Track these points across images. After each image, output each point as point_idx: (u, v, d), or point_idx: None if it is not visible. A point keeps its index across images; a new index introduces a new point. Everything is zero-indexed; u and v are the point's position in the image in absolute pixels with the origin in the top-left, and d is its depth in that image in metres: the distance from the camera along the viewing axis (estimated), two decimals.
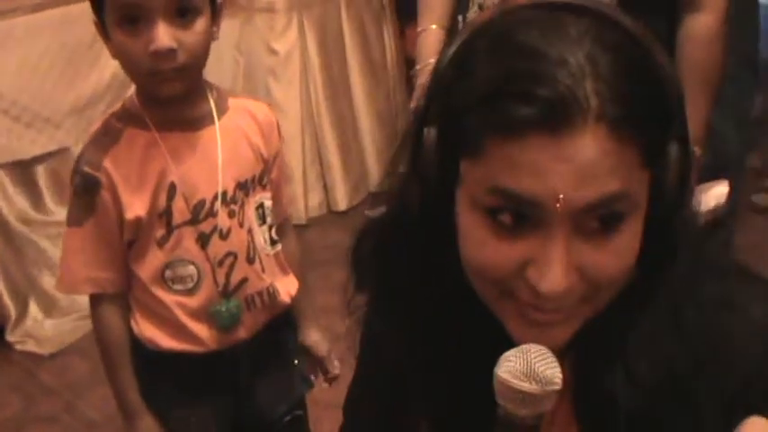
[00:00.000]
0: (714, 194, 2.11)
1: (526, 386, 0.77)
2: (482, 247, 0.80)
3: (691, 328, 0.84)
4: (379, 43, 4.18)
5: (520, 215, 0.77)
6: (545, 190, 0.74)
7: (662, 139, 0.79)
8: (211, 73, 1.54)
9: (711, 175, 2.26)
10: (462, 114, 0.78)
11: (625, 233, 0.78)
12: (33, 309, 3.22)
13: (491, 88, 0.76)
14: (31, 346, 3.16)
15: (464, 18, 1.94)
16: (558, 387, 0.78)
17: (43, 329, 3.21)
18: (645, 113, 0.77)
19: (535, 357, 0.78)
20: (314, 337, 1.82)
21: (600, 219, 0.77)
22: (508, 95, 0.74)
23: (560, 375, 0.78)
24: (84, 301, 1.79)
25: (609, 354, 0.85)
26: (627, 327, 0.84)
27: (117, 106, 1.62)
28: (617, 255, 0.78)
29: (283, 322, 1.74)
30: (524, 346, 0.79)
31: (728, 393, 0.78)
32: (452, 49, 0.82)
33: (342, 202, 4.03)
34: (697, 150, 1.86)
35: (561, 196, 0.74)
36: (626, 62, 0.77)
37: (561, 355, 0.86)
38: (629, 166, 0.76)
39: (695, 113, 1.82)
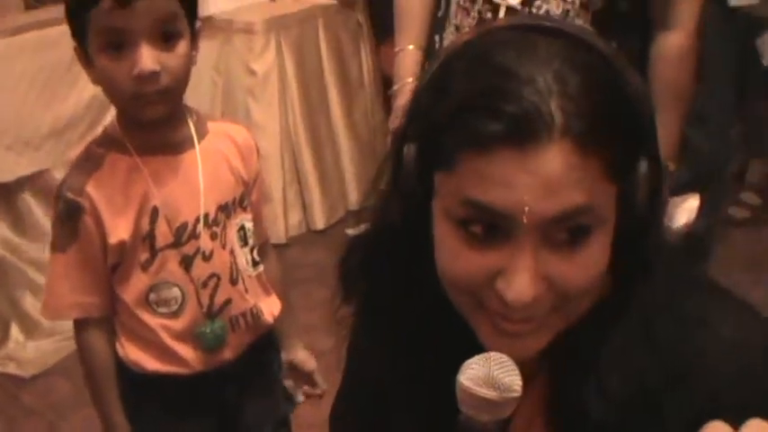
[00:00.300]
0: (685, 209, 2.14)
1: (486, 392, 0.79)
2: (455, 257, 0.82)
3: (662, 344, 0.85)
4: (356, 61, 4.22)
5: (490, 226, 0.79)
6: (512, 202, 0.77)
7: (630, 155, 0.82)
8: (190, 94, 1.56)
9: (690, 190, 2.30)
10: (438, 131, 0.81)
11: (593, 245, 0.80)
12: (15, 331, 3.22)
13: (463, 104, 0.79)
14: (12, 369, 3.15)
15: (441, 38, 1.97)
16: (517, 394, 0.80)
17: (25, 351, 3.20)
18: (611, 130, 0.79)
19: (495, 365, 0.80)
20: (300, 355, 1.84)
21: (567, 231, 0.79)
22: (478, 111, 0.77)
23: (520, 383, 0.80)
24: (66, 322, 1.80)
25: (581, 366, 0.87)
26: (599, 340, 0.86)
27: (98, 132, 1.63)
28: (584, 266, 0.81)
29: (267, 342, 1.76)
30: (486, 354, 0.82)
31: (696, 409, 0.79)
32: (431, 70, 0.86)
33: (320, 221, 4.05)
34: (670, 165, 1.89)
35: (527, 208, 0.77)
36: (594, 81, 0.80)
37: (537, 366, 0.89)
38: (595, 180, 0.78)
39: (668, 129, 1.86)
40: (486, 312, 0.83)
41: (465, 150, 0.78)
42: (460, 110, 0.79)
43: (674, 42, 1.84)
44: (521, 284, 0.78)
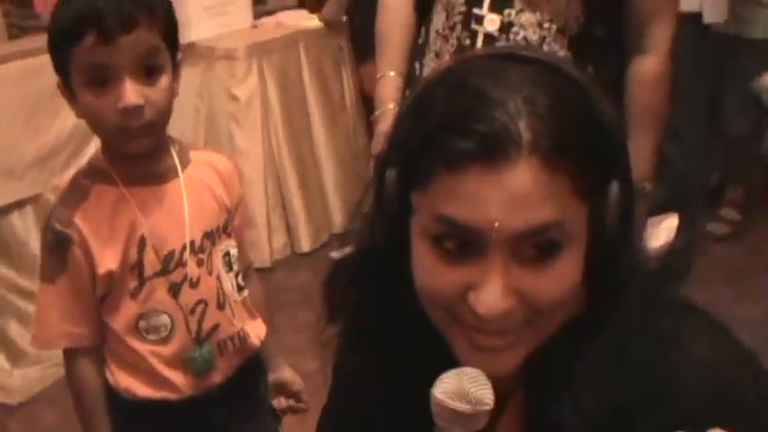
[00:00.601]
0: (664, 228, 2.17)
1: (458, 405, 0.83)
2: (430, 272, 0.86)
3: (636, 364, 0.87)
4: (338, 85, 4.26)
5: (463, 242, 0.83)
6: (482, 217, 0.80)
7: (600, 177, 0.85)
8: (174, 121, 1.58)
9: (668, 208, 2.33)
10: (416, 154, 0.85)
11: (562, 261, 0.84)
12: (1, 359, 3.22)
13: (439, 127, 0.83)
14: None
15: (421, 64, 2.01)
16: (488, 407, 0.84)
17: (11, 379, 3.19)
18: (580, 150, 0.83)
19: (468, 379, 0.84)
20: (287, 374, 1.87)
21: (536, 246, 0.82)
22: (451, 132, 0.82)
23: (491, 396, 0.84)
24: (53, 350, 1.81)
25: (556, 383, 0.89)
26: (573, 358, 0.89)
27: (82, 161, 1.65)
28: (554, 281, 0.84)
29: (254, 365, 1.78)
30: (460, 369, 0.85)
31: (670, 429, 0.81)
32: (411, 97, 0.90)
33: (305, 244, 4.07)
34: (647, 186, 1.92)
35: (497, 224, 0.80)
36: (564, 104, 0.84)
37: (515, 382, 0.92)
38: (564, 198, 0.82)
39: (644, 151, 1.90)
40: (462, 327, 0.86)
41: (438, 169, 0.82)
42: (436, 132, 0.83)
43: (649, 66, 1.89)
44: (491, 297, 0.82)
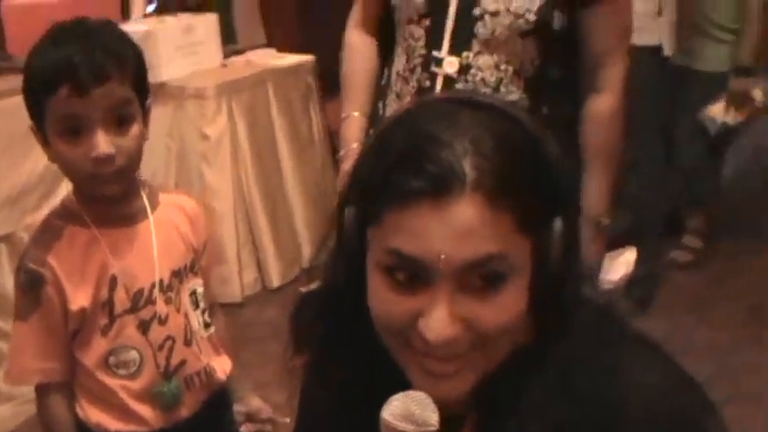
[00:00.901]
0: (622, 262, 2.24)
1: (405, 427, 0.90)
2: (383, 302, 0.92)
3: (582, 393, 0.92)
4: (306, 121, 4.31)
5: (412, 273, 0.90)
6: (428, 250, 0.87)
7: (544, 213, 0.92)
8: (145, 160, 1.63)
9: (628, 239, 2.40)
10: (372, 192, 0.92)
11: (507, 292, 0.90)
12: None
13: (392, 166, 0.90)
14: None
15: (383, 104, 2.07)
16: (433, 429, 0.90)
17: None
18: (524, 188, 0.90)
19: (413, 402, 0.91)
20: (255, 403, 1.90)
21: (481, 277, 0.89)
22: (401, 171, 0.89)
23: (437, 419, 0.90)
24: (23, 387, 1.84)
25: (503, 412, 0.95)
26: (520, 386, 0.94)
27: (54, 200, 1.70)
28: (499, 310, 0.90)
29: (221, 400, 1.82)
30: (407, 392, 0.92)
31: None
32: (371, 138, 0.98)
33: (275, 279, 4.10)
34: (603, 220, 1.99)
35: (443, 256, 0.87)
36: (509, 145, 0.91)
37: (466, 408, 0.97)
38: (507, 233, 0.88)
39: (600, 187, 1.96)
40: (414, 353, 0.92)
41: (390, 205, 0.89)
42: (390, 171, 0.90)
43: (603, 105, 1.94)
44: (438, 324, 0.88)
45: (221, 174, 3.90)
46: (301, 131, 4.28)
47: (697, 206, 4.24)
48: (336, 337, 1.03)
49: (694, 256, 4.15)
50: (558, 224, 0.92)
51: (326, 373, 1.06)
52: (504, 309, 0.90)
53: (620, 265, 2.22)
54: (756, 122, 4.07)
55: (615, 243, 2.21)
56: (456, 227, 0.87)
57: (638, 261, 2.38)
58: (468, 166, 0.87)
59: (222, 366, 1.81)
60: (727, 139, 3.96)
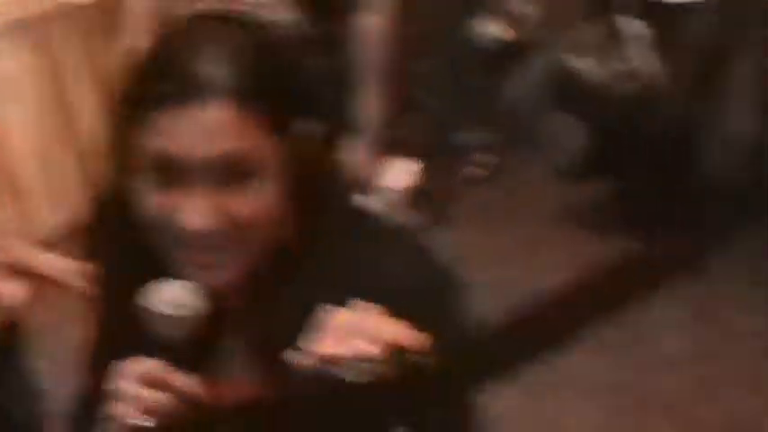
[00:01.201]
0: (404, 171, 2.34)
1: (162, 309, 0.99)
2: (148, 203, 1.01)
3: (340, 285, 1.00)
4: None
5: (171, 173, 0.99)
6: (180, 149, 0.97)
7: (288, 115, 1.02)
8: None
9: (423, 155, 2.52)
10: (132, 99, 1.02)
11: (259, 187, 0.99)
12: None
13: (148, 74, 1.01)
14: None
15: None
16: (189, 313, 0.99)
17: None
18: (270, 93, 1.00)
19: (170, 288, 1.00)
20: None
21: (231, 172, 0.98)
22: (156, 78, 0.99)
23: (194, 302, 0.99)
24: None
25: (270, 307, 1.06)
26: (283, 281, 1.05)
27: None
28: (252, 202, 0.99)
29: None
30: (165, 281, 1.01)
31: None
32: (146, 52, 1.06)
33: None
34: (382, 132, 2.12)
35: (191, 153, 0.97)
36: (256, 53, 1.02)
37: (243, 305, 1.08)
38: (254, 133, 0.98)
39: (372, 100, 2.10)
40: (181, 247, 1.01)
41: (147, 111, 0.98)
42: (145, 78, 1.01)
43: (371, 24, 2.06)
44: (192, 215, 0.98)
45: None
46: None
47: (488, 123, 4.39)
48: (117, 248, 1.13)
49: (487, 171, 4.33)
50: (303, 127, 1.03)
51: (108, 284, 1.16)
52: (255, 201, 0.99)
53: (401, 174, 2.34)
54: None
55: (404, 155, 2.32)
56: (205, 126, 0.96)
57: (429, 175, 2.50)
58: (216, 72, 0.97)
59: None
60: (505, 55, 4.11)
